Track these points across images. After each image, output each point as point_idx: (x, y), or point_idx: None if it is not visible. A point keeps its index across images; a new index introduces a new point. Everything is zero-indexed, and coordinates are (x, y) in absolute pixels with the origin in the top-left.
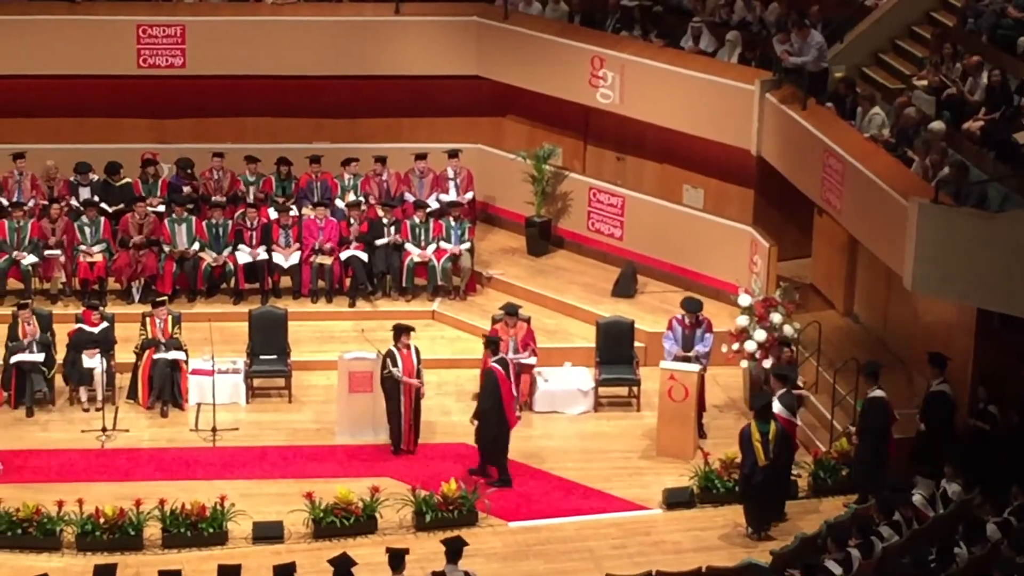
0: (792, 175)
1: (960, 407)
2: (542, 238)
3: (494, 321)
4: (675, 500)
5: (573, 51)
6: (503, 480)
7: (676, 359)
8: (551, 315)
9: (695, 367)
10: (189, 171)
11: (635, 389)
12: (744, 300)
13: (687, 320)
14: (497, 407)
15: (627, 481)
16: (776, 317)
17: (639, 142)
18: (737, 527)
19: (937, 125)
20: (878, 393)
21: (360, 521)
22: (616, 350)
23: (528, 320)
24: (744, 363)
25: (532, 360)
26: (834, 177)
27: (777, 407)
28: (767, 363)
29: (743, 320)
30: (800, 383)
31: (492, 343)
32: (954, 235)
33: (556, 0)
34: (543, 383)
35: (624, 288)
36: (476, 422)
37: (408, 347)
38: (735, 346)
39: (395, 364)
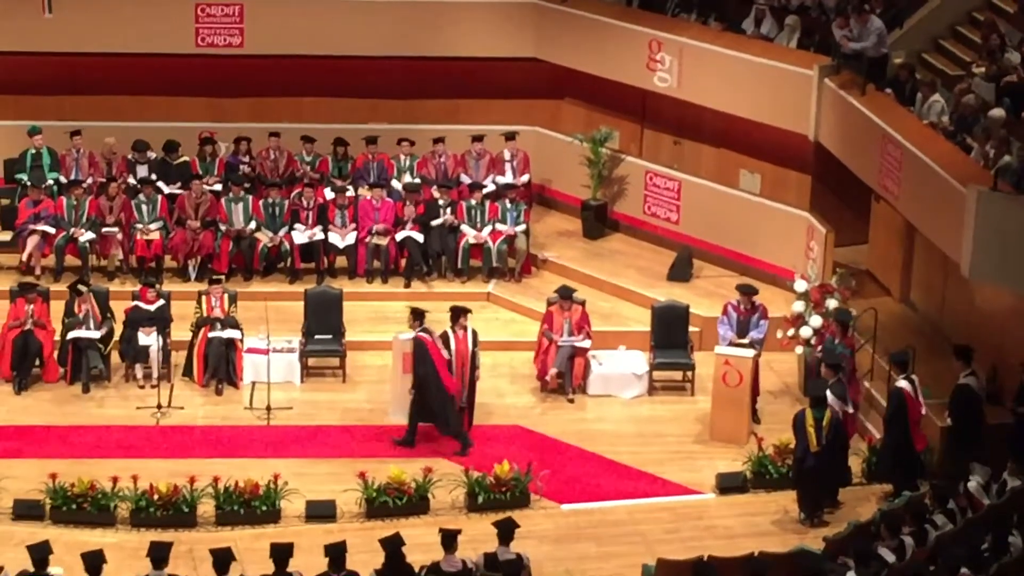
0: (850, 161)
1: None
2: (598, 221)
3: (549, 303)
4: (728, 485)
5: (631, 34)
6: (464, 444)
7: (731, 344)
8: (606, 298)
9: (750, 352)
10: (248, 142)
11: (689, 373)
12: (800, 286)
13: (742, 305)
14: (433, 374)
15: (680, 465)
16: (832, 303)
17: (696, 126)
18: (789, 513)
19: (997, 112)
20: (901, 383)
21: (413, 501)
22: (671, 334)
23: (583, 303)
24: (799, 349)
25: (587, 343)
26: (892, 163)
27: (828, 396)
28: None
29: (799, 306)
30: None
31: (417, 313)
32: (1012, 223)
33: None
34: (597, 366)
35: (680, 272)
36: (413, 392)
37: (465, 329)
38: (790, 332)
39: (447, 346)
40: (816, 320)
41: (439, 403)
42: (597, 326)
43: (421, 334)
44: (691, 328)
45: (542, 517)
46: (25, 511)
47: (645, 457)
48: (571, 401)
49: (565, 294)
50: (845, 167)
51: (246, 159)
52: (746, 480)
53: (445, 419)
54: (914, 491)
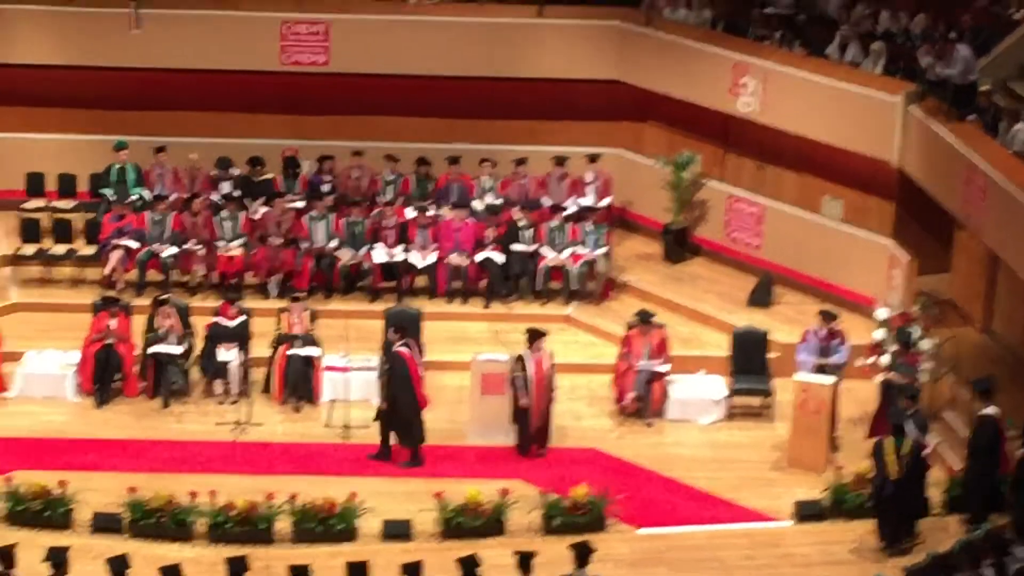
0: (934, 189)
1: None
2: (679, 245)
3: (628, 327)
4: (806, 512)
5: (715, 58)
6: (415, 460)
7: (811, 370)
8: (685, 323)
9: (830, 379)
10: (330, 161)
11: (768, 400)
12: (881, 313)
13: (822, 331)
14: (409, 389)
15: (758, 492)
16: (914, 332)
17: (779, 151)
18: (867, 542)
19: None
20: (990, 411)
21: (489, 522)
22: (750, 360)
23: (663, 327)
24: (879, 377)
25: (666, 368)
26: (976, 192)
27: (908, 427)
28: (889, 375)
29: (879, 334)
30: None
31: (399, 329)
32: None
33: (701, 6)
34: (675, 391)
35: (760, 298)
36: (385, 405)
37: (541, 351)
38: (871, 360)
39: (524, 368)
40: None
41: (407, 417)
42: (676, 351)
43: (401, 349)
44: (770, 354)
45: (618, 541)
46: (104, 524)
47: (722, 483)
48: (649, 425)
49: (645, 318)
50: (928, 195)
51: (328, 177)
52: (824, 508)
53: (411, 433)
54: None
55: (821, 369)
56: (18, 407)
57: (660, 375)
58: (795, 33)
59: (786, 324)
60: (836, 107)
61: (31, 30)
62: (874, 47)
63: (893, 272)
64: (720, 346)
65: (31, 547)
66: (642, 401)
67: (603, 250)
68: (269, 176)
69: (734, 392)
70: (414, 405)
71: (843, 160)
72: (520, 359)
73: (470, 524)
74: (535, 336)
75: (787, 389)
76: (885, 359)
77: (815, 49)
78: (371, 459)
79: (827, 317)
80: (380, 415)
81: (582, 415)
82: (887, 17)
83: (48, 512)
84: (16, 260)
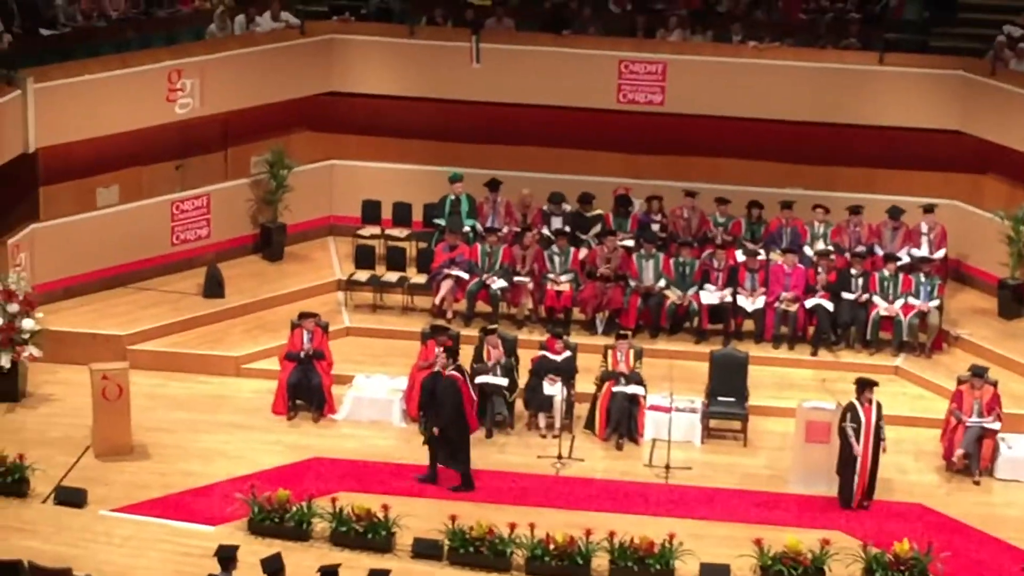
0: None
1: None
2: (1015, 301)
3: (959, 382)
4: None
5: None
6: (466, 485)
7: None
8: (1019, 380)
9: None
10: (659, 201)
11: None
12: None
13: None
14: (460, 414)
15: None
16: None
17: None
18: None
19: None
20: None
21: (808, 573)
22: None
23: (995, 384)
24: None
25: (996, 425)
26: None
27: None
28: None
29: None
30: None
31: (452, 352)
32: None
33: None
34: (1006, 449)
35: None
36: (437, 430)
37: (870, 401)
38: None
39: (855, 419)
40: None
41: (458, 440)
42: (1008, 408)
43: (453, 373)
44: None
45: None
46: (424, 550)
47: None
48: (977, 483)
49: (978, 372)
50: None
51: (658, 217)
52: None
53: (458, 455)
54: None
55: None
56: (346, 429)
57: (991, 432)
58: None
59: None
60: None
61: (373, 61)
62: None
63: None
64: None
65: (353, 568)
66: (970, 458)
67: (936, 302)
68: (599, 212)
69: None
70: (464, 428)
71: None
72: (851, 407)
73: (789, 573)
74: (864, 386)
75: None
76: None
77: None
78: (420, 481)
79: None
80: (429, 440)
81: (907, 469)
82: None
83: (371, 535)
84: (350, 285)
